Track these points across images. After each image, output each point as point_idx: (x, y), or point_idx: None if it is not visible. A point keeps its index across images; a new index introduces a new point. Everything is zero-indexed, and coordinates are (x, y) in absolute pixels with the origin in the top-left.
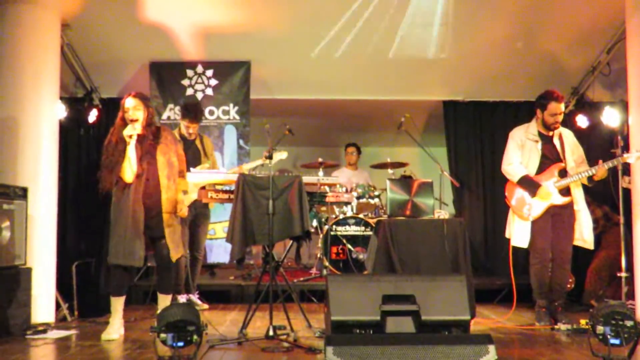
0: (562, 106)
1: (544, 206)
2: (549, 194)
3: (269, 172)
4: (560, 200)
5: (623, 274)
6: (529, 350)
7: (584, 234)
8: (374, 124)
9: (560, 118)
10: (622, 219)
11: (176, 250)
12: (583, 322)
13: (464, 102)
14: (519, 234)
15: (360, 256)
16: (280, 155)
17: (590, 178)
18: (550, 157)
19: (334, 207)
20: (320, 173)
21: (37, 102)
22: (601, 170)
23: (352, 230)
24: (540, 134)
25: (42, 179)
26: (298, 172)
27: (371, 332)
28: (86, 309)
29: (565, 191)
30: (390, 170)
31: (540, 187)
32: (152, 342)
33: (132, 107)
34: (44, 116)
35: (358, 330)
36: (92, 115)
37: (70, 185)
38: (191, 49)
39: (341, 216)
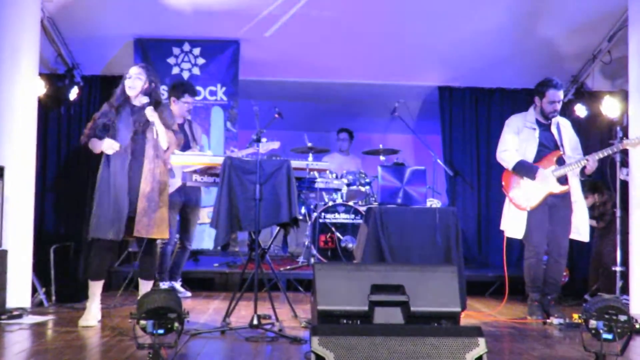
0: (561, 94)
1: (542, 195)
2: (548, 179)
3: (256, 155)
4: (559, 188)
5: (618, 268)
6: (520, 344)
7: (580, 227)
8: (366, 109)
9: (559, 106)
10: (618, 212)
11: (154, 230)
12: (576, 316)
13: (460, 88)
14: (514, 224)
15: (349, 245)
16: (273, 145)
17: (582, 171)
18: (548, 145)
19: (324, 193)
20: (310, 158)
21: (15, 78)
22: (591, 162)
23: (342, 218)
24: (538, 122)
25: (20, 159)
26: (287, 157)
27: (359, 322)
28: (64, 294)
29: (563, 180)
30: (382, 157)
31: (538, 170)
32: (131, 329)
33: (135, 74)
34: (22, 93)
35: (345, 321)
36: (73, 93)
37: (49, 165)
38: (178, 26)
39: (330, 203)
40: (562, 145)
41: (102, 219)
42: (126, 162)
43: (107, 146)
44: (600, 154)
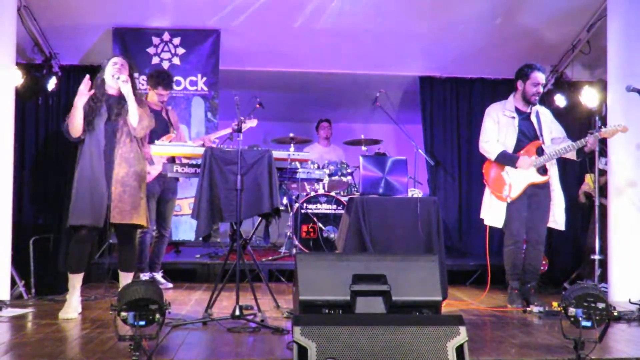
0: (544, 77)
1: (522, 186)
2: (529, 168)
3: (237, 146)
4: (539, 178)
5: (596, 257)
6: (500, 333)
7: (557, 215)
8: (347, 99)
9: (542, 89)
10: (597, 201)
11: (130, 216)
12: (555, 304)
13: (441, 78)
14: (493, 214)
15: (331, 235)
16: (250, 123)
17: (580, 150)
18: (527, 134)
19: (305, 184)
20: (292, 149)
21: None
22: (592, 139)
23: (324, 208)
24: (517, 110)
25: None
26: (268, 147)
27: (340, 312)
28: (44, 286)
29: (543, 170)
30: (363, 147)
31: (519, 158)
32: (112, 322)
33: (120, 64)
34: None
35: (327, 311)
36: (52, 83)
37: (27, 156)
38: (157, 15)
39: (312, 193)
40: (541, 135)
41: (80, 205)
42: (101, 148)
43: (81, 91)
44: (597, 135)
